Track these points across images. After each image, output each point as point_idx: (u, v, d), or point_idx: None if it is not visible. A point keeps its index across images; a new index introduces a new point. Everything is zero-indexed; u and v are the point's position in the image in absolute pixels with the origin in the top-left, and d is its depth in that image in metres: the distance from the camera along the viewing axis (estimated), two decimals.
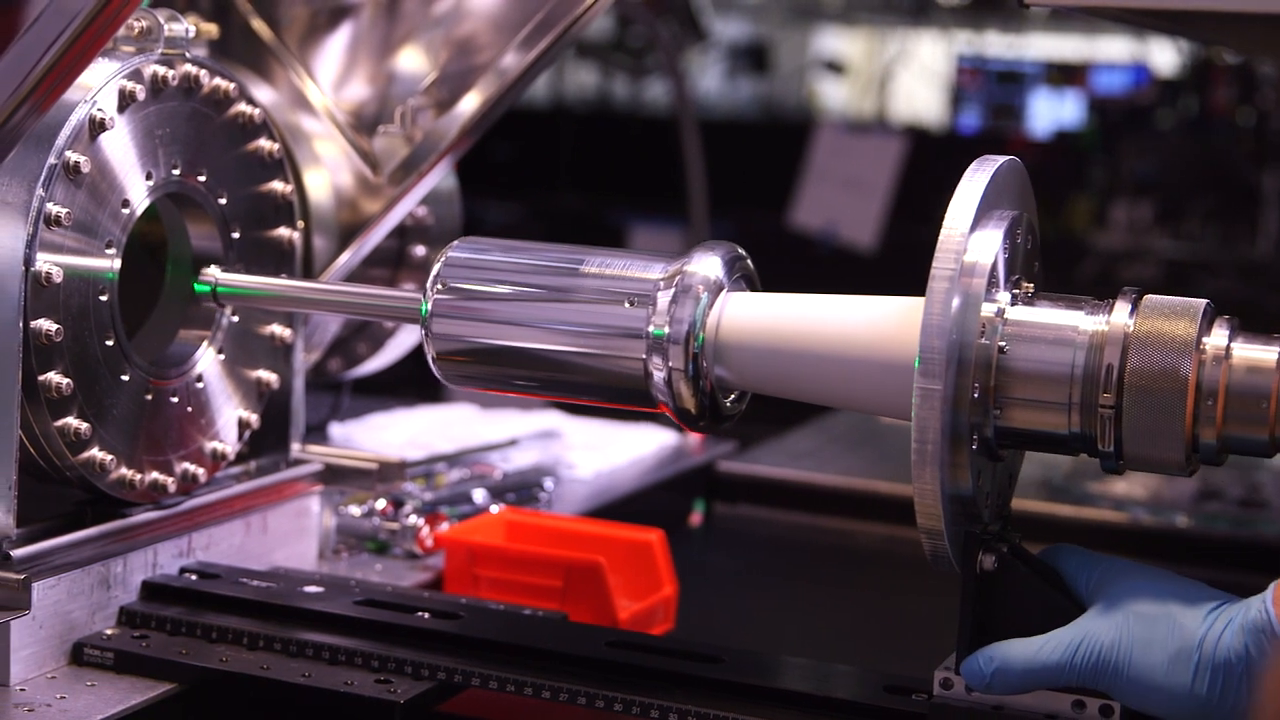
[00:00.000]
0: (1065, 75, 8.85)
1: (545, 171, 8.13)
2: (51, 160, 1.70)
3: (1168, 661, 1.44)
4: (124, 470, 1.81)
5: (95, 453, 1.77)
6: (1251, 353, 1.47)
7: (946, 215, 1.48)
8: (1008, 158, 1.56)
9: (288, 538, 2.06)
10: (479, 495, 2.32)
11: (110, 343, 1.79)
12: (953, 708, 1.53)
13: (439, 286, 1.74)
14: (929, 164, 7.10)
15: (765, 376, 1.65)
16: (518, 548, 2.08)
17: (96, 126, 1.74)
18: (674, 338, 1.63)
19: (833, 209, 6.46)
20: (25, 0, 1.50)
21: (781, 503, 2.73)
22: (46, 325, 1.70)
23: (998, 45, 9.10)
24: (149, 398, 1.85)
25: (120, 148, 1.78)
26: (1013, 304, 1.53)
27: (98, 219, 1.76)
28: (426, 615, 1.79)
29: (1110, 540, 2.44)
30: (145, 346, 1.90)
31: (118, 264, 1.79)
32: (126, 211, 1.80)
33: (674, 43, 5.83)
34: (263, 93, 2.16)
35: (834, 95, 10.29)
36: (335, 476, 2.12)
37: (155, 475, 1.85)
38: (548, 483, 2.45)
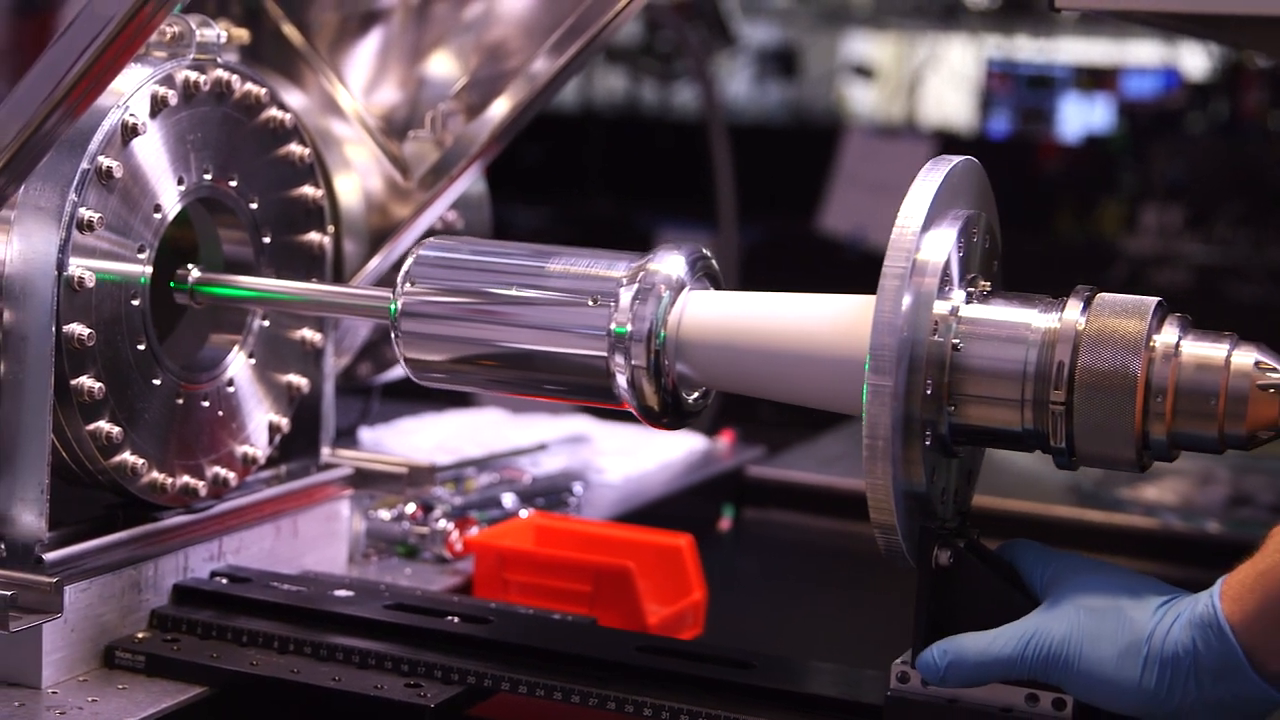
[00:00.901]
0: (1095, 79, 8.83)
1: (574, 176, 8.14)
2: (84, 165, 1.71)
3: (1117, 655, 1.46)
4: (155, 474, 1.82)
5: (127, 456, 1.78)
6: (1200, 350, 1.48)
7: (899, 214, 1.51)
8: (964, 158, 1.58)
9: (318, 542, 2.06)
10: (508, 500, 2.32)
11: (142, 347, 1.79)
12: (909, 701, 1.55)
13: (408, 286, 1.76)
14: None
15: (726, 373, 1.67)
16: (547, 552, 2.08)
17: (129, 131, 1.75)
18: (636, 335, 1.65)
19: (861, 213, 6.45)
20: (59, 6, 1.50)
21: (810, 508, 2.73)
22: (79, 330, 1.71)
23: (1027, 49, 9.08)
24: (180, 402, 1.86)
25: (152, 153, 1.79)
26: (968, 302, 1.55)
27: (130, 224, 1.77)
28: (456, 619, 1.79)
29: (1141, 546, 2.43)
30: (177, 351, 1.91)
31: (149, 269, 1.79)
32: (158, 216, 1.80)
33: (703, 47, 5.82)
34: (294, 98, 2.17)
35: (863, 99, 10.27)
36: (365, 481, 2.13)
37: (186, 479, 1.86)
38: (577, 487, 2.45)
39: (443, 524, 2.17)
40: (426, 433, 2.70)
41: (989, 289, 1.57)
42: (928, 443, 1.51)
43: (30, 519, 1.68)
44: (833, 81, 10.19)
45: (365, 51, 2.24)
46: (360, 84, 2.23)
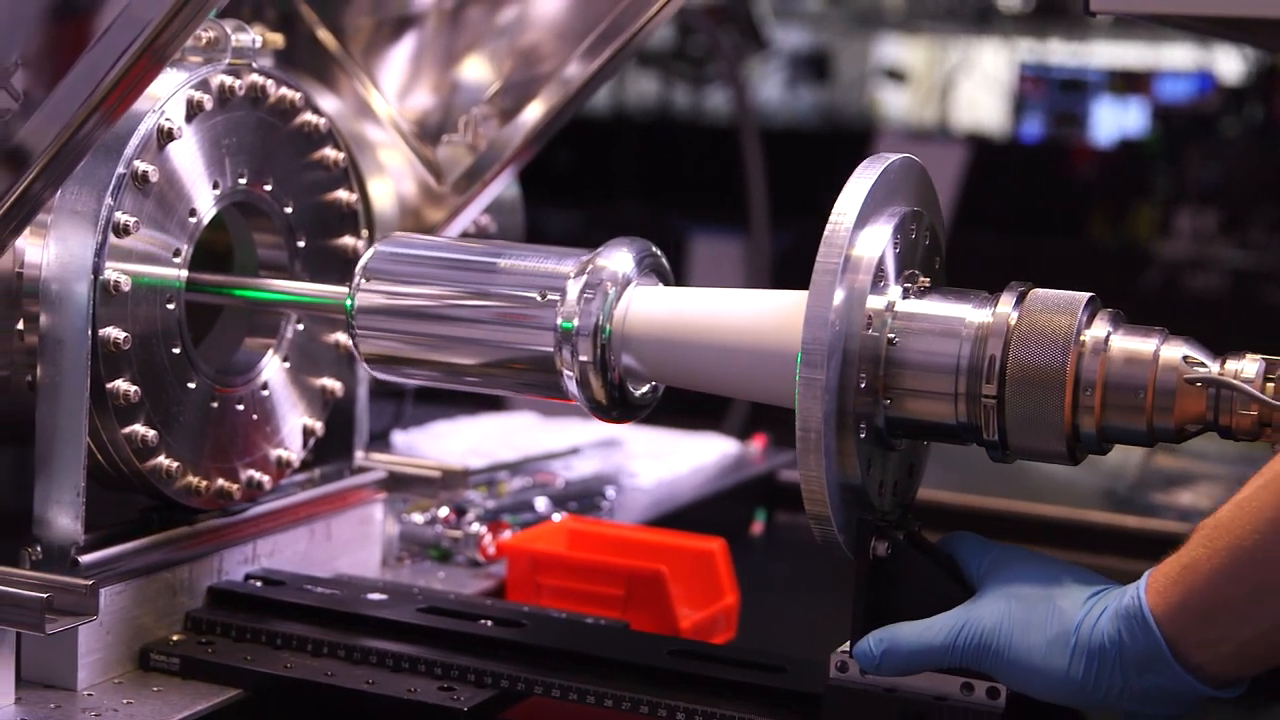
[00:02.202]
0: (1129, 83, 8.81)
1: (606, 180, 8.14)
2: (120, 170, 1.72)
3: (1045, 645, 1.47)
4: (190, 477, 1.83)
5: (162, 460, 1.79)
6: (1129, 344, 1.50)
7: (833, 211, 1.53)
8: (902, 155, 1.61)
9: (351, 545, 2.07)
10: (541, 503, 2.32)
11: (177, 351, 1.80)
12: (847, 690, 1.56)
13: (363, 282, 1.78)
14: (991, 172, 7.08)
15: (670, 367, 1.69)
16: (580, 556, 2.08)
17: (165, 136, 1.76)
18: (582, 330, 1.68)
19: None
20: (95, 10, 1.51)
21: None
22: (115, 333, 1.71)
23: (1061, 53, 9.06)
24: (215, 405, 1.86)
25: (188, 157, 1.80)
26: (905, 298, 1.57)
27: (165, 228, 1.78)
28: (489, 623, 1.80)
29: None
30: (211, 354, 1.92)
31: (185, 273, 1.80)
32: (194, 220, 1.81)
33: (735, 51, 5.82)
34: (328, 102, 2.17)
35: (895, 103, 10.26)
36: (398, 484, 2.13)
37: (221, 482, 1.87)
38: (609, 491, 2.45)
39: (476, 527, 2.17)
40: (459, 436, 2.71)
41: (928, 285, 1.59)
42: (862, 435, 1.54)
43: (66, 522, 1.69)
44: (865, 85, 10.18)
45: (399, 56, 2.25)
46: (394, 88, 2.24)
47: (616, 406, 1.72)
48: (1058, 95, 9.04)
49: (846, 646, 1.57)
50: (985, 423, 1.53)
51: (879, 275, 1.54)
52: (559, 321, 1.69)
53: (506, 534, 2.18)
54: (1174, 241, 6.69)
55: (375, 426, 2.26)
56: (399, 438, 2.60)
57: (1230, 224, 6.66)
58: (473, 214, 2.22)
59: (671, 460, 2.70)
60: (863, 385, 1.53)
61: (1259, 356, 1.47)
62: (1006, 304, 1.53)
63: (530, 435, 2.73)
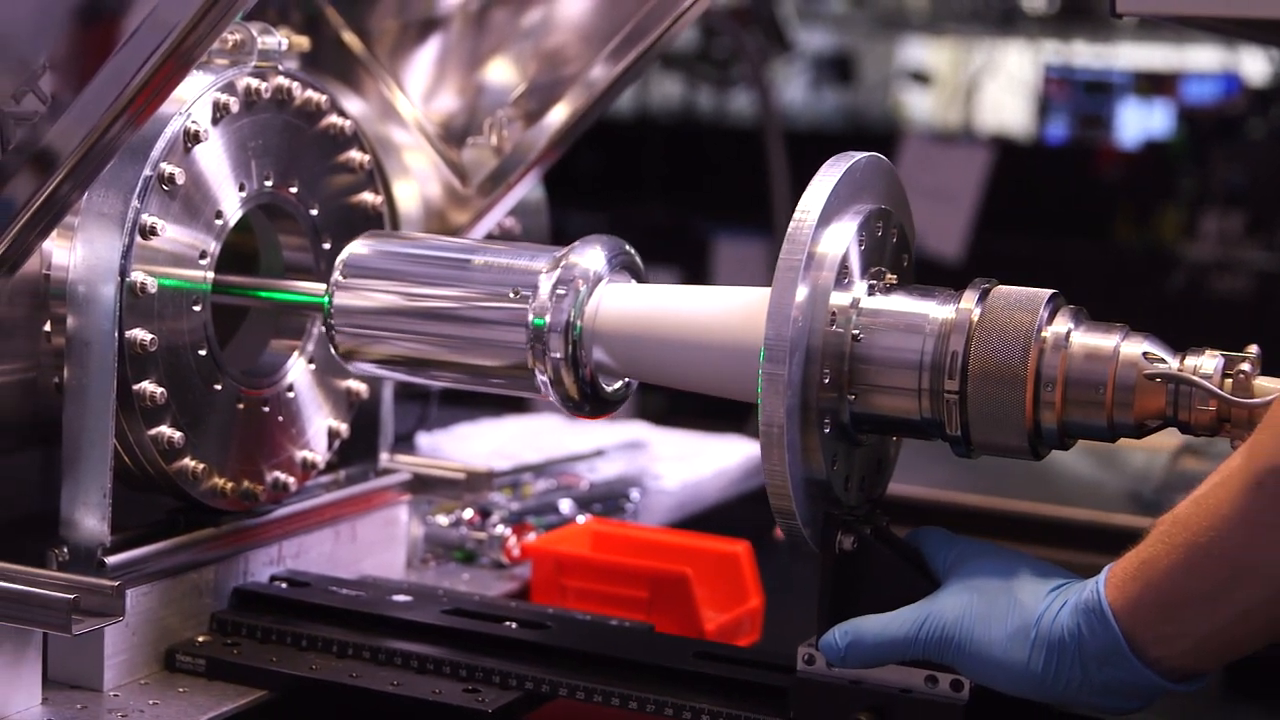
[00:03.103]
0: (1154, 85, 8.77)
1: (631, 182, 8.14)
2: (147, 172, 1.72)
3: (1006, 638, 1.48)
4: (216, 479, 1.83)
5: (188, 461, 1.79)
6: (1090, 340, 1.52)
7: (796, 208, 1.55)
8: (869, 154, 1.62)
9: (376, 546, 2.07)
10: (565, 505, 2.32)
11: (203, 352, 1.81)
12: (814, 682, 1.58)
13: (340, 279, 1.80)
14: (1015, 174, 7.06)
15: (639, 363, 1.71)
16: (604, 558, 2.08)
17: (191, 138, 1.76)
18: (554, 327, 1.70)
19: (919, 219, 6.41)
20: (122, 14, 1.51)
21: None
22: (141, 335, 1.72)
23: (1086, 55, 9.03)
24: (241, 407, 1.87)
25: (214, 159, 1.80)
26: (870, 294, 1.59)
27: (191, 230, 1.78)
28: (514, 625, 1.80)
29: None
30: (237, 356, 1.92)
31: (211, 275, 1.81)
32: (220, 222, 1.82)
33: (759, 54, 5.81)
34: (353, 104, 2.18)
35: (920, 106, 10.24)
36: (423, 486, 2.14)
37: (246, 484, 1.87)
38: (634, 493, 2.45)
39: (500, 529, 2.18)
40: (484, 438, 2.71)
41: (895, 282, 1.61)
42: (827, 431, 1.55)
43: (93, 523, 1.70)
44: (889, 87, 10.16)
45: (424, 58, 2.25)
46: (419, 91, 2.24)
47: (589, 402, 1.74)
48: (1083, 97, 9.01)
49: (813, 640, 1.59)
50: (948, 418, 1.54)
51: (843, 272, 1.56)
52: (531, 318, 1.71)
53: (531, 536, 2.18)
54: (1200, 243, 6.66)
55: (400, 428, 2.26)
56: (424, 440, 2.60)
57: (1256, 226, 6.63)
58: (497, 216, 2.22)
59: (696, 462, 2.70)
60: (827, 381, 1.55)
61: (1219, 352, 1.49)
62: (969, 301, 1.55)
63: (555, 437, 2.73)
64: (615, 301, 1.71)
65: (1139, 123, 8.75)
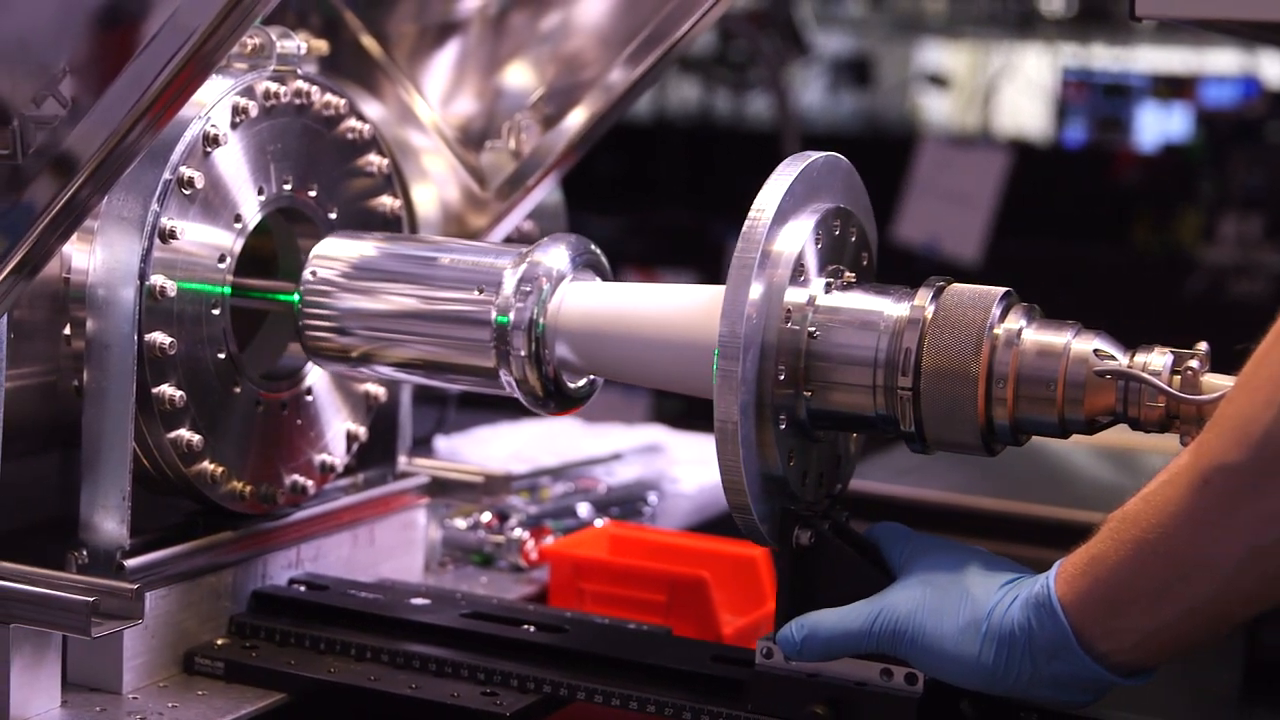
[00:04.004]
0: (1173, 88, 8.76)
1: (649, 186, 8.14)
2: (166, 176, 1.73)
3: (958, 631, 1.49)
4: (235, 482, 1.83)
5: (207, 464, 1.79)
6: (1042, 337, 1.53)
7: (752, 206, 1.56)
8: (826, 154, 1.64)
9: (394, 550, 2.07)
10: (583, 509, 2.32)
11: (222, 356, 1.81)
12: (772, 675, 1.59)
13: (309, 277, 1.84)
14: (1034, 178, 7.05)
15: (600, 360, 1.74)
16: (622, 562, 2.08)
17: (210, 142, 1.77)
18: (517, 324, 1.73)
19: (936, 223, 6.42)
20: (142, 18, 1.52)
21: (884, 518, 2.70)
22: (160, 338, 1.72)
23: (1104, 58, 9.02)
24: (260, 410, 1.87)
25: (233, 163, 1.81)
26: (827, 292, 1.60)
27: (211, 234, 1.79)
28: (532, 628, 1.80)
29: None
30: (256, 359, 1.93)
31: (230, 278, 1.81)
32: (239, 226, 1.82)
33: (776, 57, 5.82)
34: (372, 108, 2.18)
35: (937, 109, 10.23)
36: (441, 489, 2.14)
37: (265, 487, 1.87)
38: (652, 497, 2.45)
39: (518, 533, 2.18)
40: (502, 442, 2.71)
41: (853, 280, 1.62)
42: (783, 427, 1.57)
43: (112, 526, 1.70)
44: (907, 91, 10.16)
45: (443, 62, 2.25)
46: (437, 95, 2.25)
47: (553, 399, 1.77)
48: (1101, 100, 8.99)
49: (771, 634, 1.60)
50: (902, 415, 1.56)
51: (799, 270, 1.58)
52: (494, 315, 1.74)
53: (549, 539, 2.18)
54: (1218, 247, 6.65)
55: (418, 432, 2.27)
56: (441, 443, 2.61)
57: (1275, 229, 6.61)
58: (515, 220, 2.22)
59: (713, 466, 2.69)
60: (782, 377, 1.56)
61: (1169, 349, 1.50)
62: (923, 299, 1.56)
63: (572, 441, 2.74)
64: (578, 299, 1.73)
65: (1157, 126, 8.73)
